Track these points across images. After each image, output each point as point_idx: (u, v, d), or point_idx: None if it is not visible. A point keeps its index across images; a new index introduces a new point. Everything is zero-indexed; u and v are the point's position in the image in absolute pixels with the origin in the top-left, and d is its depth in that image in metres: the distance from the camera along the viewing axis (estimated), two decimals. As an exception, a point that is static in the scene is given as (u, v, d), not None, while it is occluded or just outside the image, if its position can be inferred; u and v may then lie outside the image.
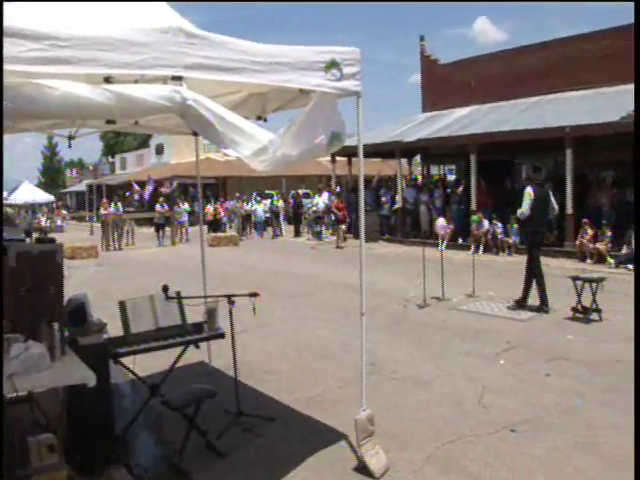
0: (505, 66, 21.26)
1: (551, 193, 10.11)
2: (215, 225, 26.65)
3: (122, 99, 3.37)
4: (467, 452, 4.66)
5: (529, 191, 9.66)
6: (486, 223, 17.65)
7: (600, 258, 15.02)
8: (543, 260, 10.18)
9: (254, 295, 5.24)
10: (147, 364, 5.80)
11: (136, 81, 3.78)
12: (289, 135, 4.10)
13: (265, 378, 6.51)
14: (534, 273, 9.72)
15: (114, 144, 68.69)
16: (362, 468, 4.36)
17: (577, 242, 15.64)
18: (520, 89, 20.58)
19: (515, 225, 16.95)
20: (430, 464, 4.48)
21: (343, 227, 21.13)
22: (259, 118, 5.45)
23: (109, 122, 4.78)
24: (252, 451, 4.79)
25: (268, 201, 28.16)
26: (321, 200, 25.07)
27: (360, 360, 4.63)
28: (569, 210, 16.38)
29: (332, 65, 4.16)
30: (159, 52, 3.32)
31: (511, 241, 16.94)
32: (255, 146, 3.85)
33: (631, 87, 17.30)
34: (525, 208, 9.63)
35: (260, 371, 6.73)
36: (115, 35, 3.18)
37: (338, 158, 23.57)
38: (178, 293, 5.18)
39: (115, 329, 4.94)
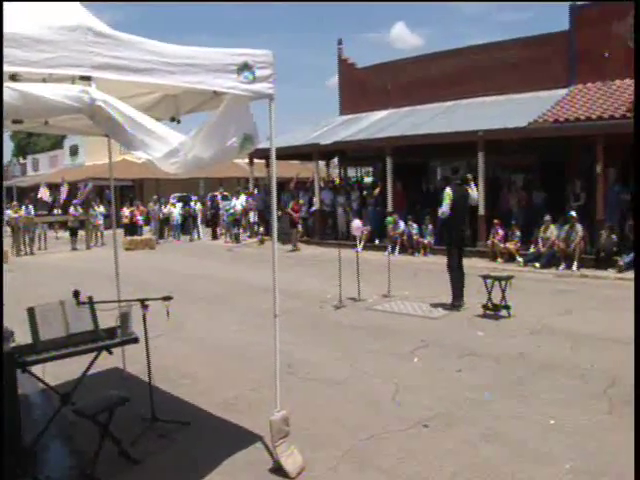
0: (421, 71, 21.73)
1: (470, 193, 10.34)
2: (131, 228, 26.06)
3: (28, 98, 3.27)
4: (381, 449, 4.75)
5: (448, 191, 9.93)
6: (402, 224, 17.99)
7: (510, 257, 15.61)
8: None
9: (168, 299, 5.19)
10: (58, 372, 5.65)
11: (44, 80, 3.68)
12: (201, 137, 4.07)
13: (181, 382, 6.44)
14: (452, 270, 10.02)
15: (26, 145, 66.10)
16: (278, 469, 4.38)
17: (489, 242, 16.19)
18: (435, 94, 21.09)
19: (430, 226, 17.40)
20: (345, 462, 4.55)
21: (299, 229, 20.94)
22: (173, 120, 5.40)
23: (16, 122, 4.61)
24: (167, 456, 4.74)
25: (180, 204, 27.74)
26: (239, 202, 24.95)
27: (275, 362, 4.65)
28: (481, 211, 16.91)
29: (245, 68, 4.16)
30: (67, 51, 3.25)
31: (426, 242, 17.34)
32: (166, 148, 3.81)
33: (538, 94, 18.12)
34: (446, 208, 9.87)
35: (176, 375, 6.66)
36: (21, 32, 3.09)
37: (256, 160, 23.53)
38: (90, 298, 5.06)
39: (25, 336, 4.78)
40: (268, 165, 24.74)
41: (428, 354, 7.39)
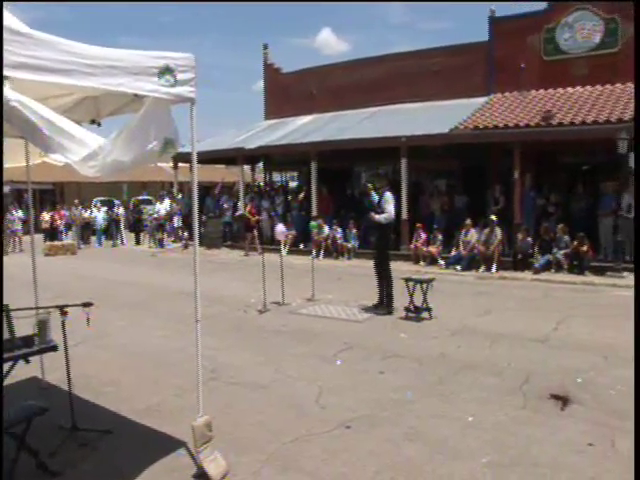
0: (346, 77, 22.01)
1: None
2: (52, 233, 25.26)
3: None
4: (304, 451, 4.78)
5: (390, 195, 10.04)
6: (326, 229, 18.14)
7: (432, 260, 15.98)
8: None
9: (88, 305, 5.08)
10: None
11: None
12: (121, 140, 4.02)
13: (102, 390, 6.30)
14: (387, 274, 10.10)
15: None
16: (201, 475, 4.36)
17: (412, 246, 16.51)
18: (360, 99, 21.40)
19: (354, 230, 17.61)
20: (269, 465, 4.56)
21: (255, 234, 20.55)
22: (93, 122, 5.30)
23: None
24: (88, 466, 4.63)
25: (104, 209, 27.09)
26: (162, 207, 24.58)
27: (196, 367, 4.62)
28: (404, 215, 17.26)
29: (166, 71, 4.13)
30: (-20, 49, 3.15)
31: (350, 246, 17.53)
32: (84, 151, 3.75)
33: (460, 101, 18.62)
34: (392, 211, 10.00)
35: (97, 383, 6.51)
36: None
37: (181, 164, 23.26)
38: (6, 306, 4.90)
39: None
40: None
41: (351, 356, 7.47)
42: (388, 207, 9.94)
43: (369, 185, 10.77)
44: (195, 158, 4.53)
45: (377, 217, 9.99)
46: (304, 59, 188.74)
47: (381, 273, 10.20)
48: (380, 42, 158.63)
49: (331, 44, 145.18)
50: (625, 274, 13.73)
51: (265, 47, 25.69)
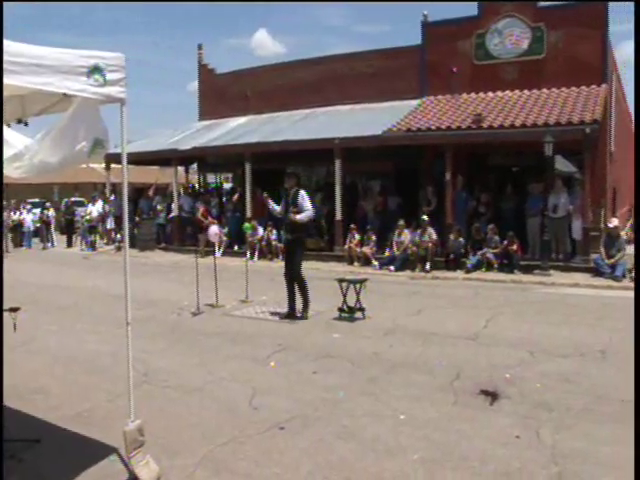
0: (281, 78, 21.98)
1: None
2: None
3: None
4: (238, 453, 4.76)
5: (304, 193, 9.82)
6: (261, 230, 18.10)
7: (366, 261, 16.14)
8: (315, 264, 10.69)
9: (14, 310, 4.93)
10: None
11: None
12: (48, 141, 3.92)
13: (31, 398, 6.11)
14: (300, 279, 9.87)
15: None
16: (133, 480, 4.29)
17: (346, 247, 16.64)
18: (295, 101, 21.42)
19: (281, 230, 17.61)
20: (202, 468, 4.52)
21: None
22: (19, 121, 5.13)
23: None
24: (16, 479, 4.48)
25: (35, 210, 26.35)
26: (95, 209, 24.06)
27: (127, 371, 4.54)
28: (338, 216, 17.39)
29: (95, 70, 4.04)
30: None
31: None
32: (9, 152, 3.63)
33: (393, 104, 18.87)
34: (311, 208, 9.78)
35: (25, 391, 6.30)
36: None
37: (113, 165, 22.79)
38: None
39: None
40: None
41: (285, 357, 7.49)
42: (306, 204, 9.65)
43: (265, 194, 10.61)
44: (125, 159, 4.45)
45: (298, 217, 9.59)
46: (240, 60, 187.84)
47: (293, 278, 9.89)
48: (316, 44, 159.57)
49: (267, 45, 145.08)
50: (551, 272, 14.20)
51: (199, 47, 25.44)
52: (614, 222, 14.91)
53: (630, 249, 14.51)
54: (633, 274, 13.31)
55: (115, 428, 4.91)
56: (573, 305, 11.06)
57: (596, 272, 13.98)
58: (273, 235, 17.94)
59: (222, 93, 23.96)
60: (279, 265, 16.47)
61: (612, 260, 13.79)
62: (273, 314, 10.14)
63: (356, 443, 4.91)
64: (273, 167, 20.49)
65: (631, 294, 12.13)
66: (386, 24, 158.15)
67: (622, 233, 15.84)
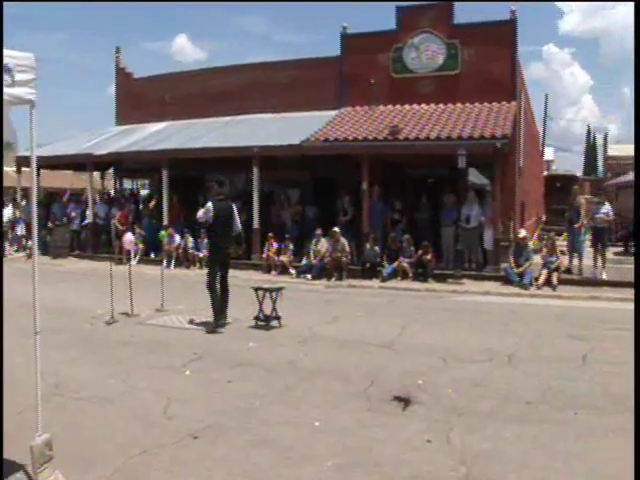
0: (200, 85, 21.77)
1: (235, 209, 10.41)
2: None
3: None
4: (152, 464, 4.69)
5: (208, 205, 10.00)
6: (177, 238, 17.87)
7: (284, 269, 16.20)
8: (232, 272, 10.60)
9: None
10: None
11: None
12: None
13: None
14: (211, 290, 9.92)
15: None
16: (39, 496, 4.15)
17: (263, 255, 16.64)
18: (214, 108, 21.25)
19: (206, 239, 17.43)
20: (114, 480, 4.42)
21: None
22: None
23: None
24: None
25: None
26: (5, 214, 23.12)
27: (35, 382, 4.40)
28: (256, 225, 17.38)
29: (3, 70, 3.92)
30: None
31: (202, 255, 17.35)
32: None
33: (312, 114, 19.00)
34: (198, 216, 10.07)
35: None
36: None
37: (24, 169, 21.98)
38: None
39: None
40: (38, 174, 23.19)
41: (200, 366, 7.42)
42: (198, 213, 10.12)
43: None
44: (35, 163, 4.32)
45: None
46: (159, 64, 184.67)
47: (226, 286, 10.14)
48: (237, 51, 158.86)
49: (187, 51, 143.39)
50: (464, 280, 14.65)
51: (117, 50, 24.90)
52: (522, 233, 15.53)
53: (537, 258, 15.16)
54: (540, 282, 13.91)
55: (23, 443, 4.73)
56: (484, 312, 11.44)
57: (506, 280, 14.51)
58: (190, 243, 17.73)
59: (140, 98, 23.52)
60: (196, 273, 16.38)
61: (520, 269, 14.35)
62: (197, 323, 10.02)
63: (271, 451, 4.92)
64: (191, 174, 20.34)
65: (537, 301, 12.70)
66: (308, 34, 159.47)
67: (530, 243, 16.51)
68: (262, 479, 4.46)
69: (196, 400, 6.16)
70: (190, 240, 17.78)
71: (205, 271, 10.77)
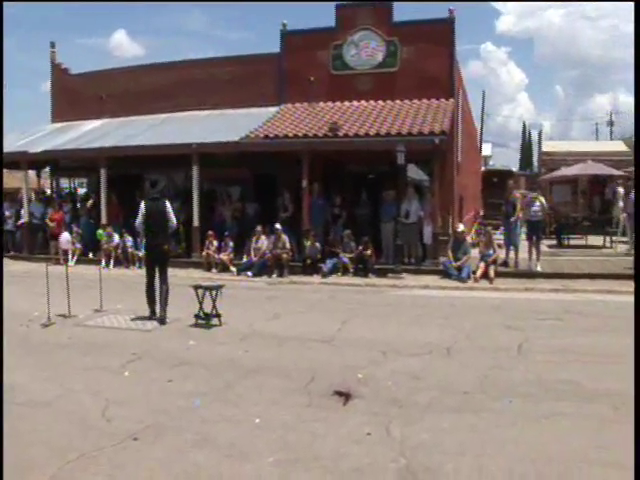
0: (138, 82, 21.36)
1: (169, 206, 10.42)
2: None
3: None
4: (90, 467, 4.60)
5: (141, 206, 10.20)
6: (116, 237, 17.58)
7: (224, 267, 16.12)
8: (172, 271, 10.53)
9: None
10: None
11: None
12: None
13: None
14: (146, 287, 10.15)
15: None
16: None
17: (203, 253, 16.53)
18: (152, 105, 20.90)
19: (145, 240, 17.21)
20: (50, 486, 4.33)
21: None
22: None
23: None
24: None
25: None
26: None
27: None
28: (196, 223, 17.24)
29: None
30: None
31: (141, 254, 17.06)
32: None
33: (251, 111, 18.93)
34: (137, 222, 10.26)
35: None
36: None
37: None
38: None
39: None
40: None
41: (140, 366, 7.34)
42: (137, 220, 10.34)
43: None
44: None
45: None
46: (97, 60, 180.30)
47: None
48: (177, 48, 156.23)
49: (125, 47, 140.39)
50: (404, 275, 14.85)
51: (52, 45, 24.16)
52: (461, 227, 15.85)
53: (475, 252, 15.48)
54: (477, 275, 14.22)
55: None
56: (423, 306, 11.62)
57: (444, 274, 14.79)
58: (129, 242, 17.46)
59: (76, 94, 22.93)
60: (135, 273, 16.15)
61: (458, 263, 14.64)
62: (136, 323, 9.88)
63: (212, 449, 4.91)
64: (129, 172, 19.99)
65: (475, 294, 12.98)
66: (248, 31, 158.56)
67: (468, 238, 16.85)
68: (203, 477, 4.45)
69: (135, 401, 6.09)
70: (129, 239, 17.48)
71: (144, 271, 10.71)
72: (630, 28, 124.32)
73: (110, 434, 5.21)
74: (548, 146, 33.76)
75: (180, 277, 10.73)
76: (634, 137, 13.78)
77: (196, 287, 9.78)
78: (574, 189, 26.54)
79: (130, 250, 17.38)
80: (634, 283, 10.78)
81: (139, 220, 10.23)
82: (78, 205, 21.57)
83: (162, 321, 9.83)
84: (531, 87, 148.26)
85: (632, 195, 16.79)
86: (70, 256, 17.59)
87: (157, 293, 10.14)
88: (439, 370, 7.12)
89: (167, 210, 10.28)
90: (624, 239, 18.87)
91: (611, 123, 66.62)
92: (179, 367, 7.27)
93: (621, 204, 19.98)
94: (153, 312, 10.07)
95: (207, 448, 4.93)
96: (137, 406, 5.93)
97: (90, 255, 18.32)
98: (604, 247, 19.56)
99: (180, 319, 9.93)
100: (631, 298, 12.07)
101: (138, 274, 15.79)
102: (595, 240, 20.24)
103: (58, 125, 23.30)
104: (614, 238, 19.55)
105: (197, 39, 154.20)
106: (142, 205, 10.22)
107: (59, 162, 22.86)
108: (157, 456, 4.80)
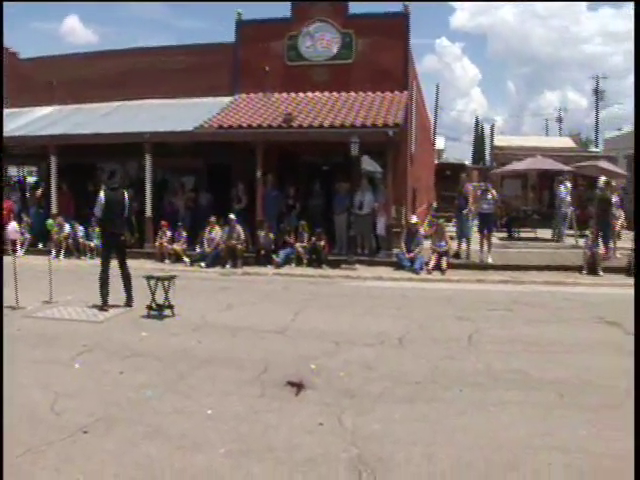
0: (90, 68, 20.85)
1: (127, 197, 10.47)
2: None
3: None
4: (38, 462, 4.53)
5: (101, 195, 10.22)
6: (67, 227, 17.24)
7: (178, 258, 16.00)
8: (123, 262, 10.40)
9: None
10: None
11: None
12: None
13: None
14: (100, 276, 10.13)
15: None
16: None
17: (156, 244, 16.35)
18: (104, 93, 20.43)
19: (98, 229, 16.93)
20: (-3, 482, 4.25)
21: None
22: None
23: None
24: None
25: None
26: None
27: None
28: (148, 213, 17.03)
29: None
30: None
31: (92, 245, 16.84)
32: None
33: (205, 100, 18.75)
34: (96, 211, 10.32)
35: None
36: None
37: None
38: None
39: None
40: None
41: (90, 358, 7.23)
42: (96, 206, 10.38)
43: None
44: None
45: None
46: (47, 46, 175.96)
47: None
48: (132, 35, 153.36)
49: (78, 33, 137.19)
50: (357, 266, 14.96)
51: (-2, 27, 23.53)
52: (414, 219, 16.04)
53: (427, 244, 15.67)
54: (430, 266, 14.41)
55: None
56: (376, 297, 11.73)
57: (398, 266, 14.94)
58: (80, 232, 17.15)
59: (27, 80, 22.24)
60: (87, 264, 15.90)
61: (411, 254, 14.80)
62: (87, 314, 9.71)
63: (163, 441, 4.88)
64: (81, 161, 19.61)
65: (427, 285, 13.16)
66: (204, 20, 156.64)
67: (421, 229, 17.04)
68: (155, 470, 4.41)
69: (86, 393, 6.01)
70: (80, 229, 17.17)
71: (98, 261, 10.63)
72: (578, 28, 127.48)
73: (60, 428, 5.13)
74: (500, 140, 34.39)
75: (133, 268, 10.55)
76: (634, 136, 14.00)
77: (148, 278, 9.67)
78: (524, 183, 27.06)
79: (81, 240, 17.07)
80: (634, 282, 11.02)
81: (98, 209, 10.24)
82: (27, 194, 21.05)
83: (129, 304, 10.12)
84: (484, 82, 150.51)
85: (616, 198, 17.17)
86: (19, 246, 17.19)
87: (111, 283, 10.18)
88: (391, 360, 7.21)
89: (126, 200, 10.37)
90: (571, 232, 19.35)
91: (560, 120, 68.38)
92: (131, 359, 7.21)
93: (569, 198, 20.45)
94: (105, 302, 9.97)
95: (159, 440, 4.90)
96: (88, 399, 5.85)
97: (40, 245, 17.93)
98: (553, 240, 20.02)
99: (132, 310, 9.86)
100: (578, 289, 12.47)
101: (90, 265, 15.57)
102: (544, 233, 20.73)
103: (8, 111, 22.66)
104: (562, 231, 20.05)
105: (153, 28, 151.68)
106: (102, 194, 10.23)
107: (7, 150, 22.26)
108: (107, 448, 4.74)
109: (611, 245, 15.83)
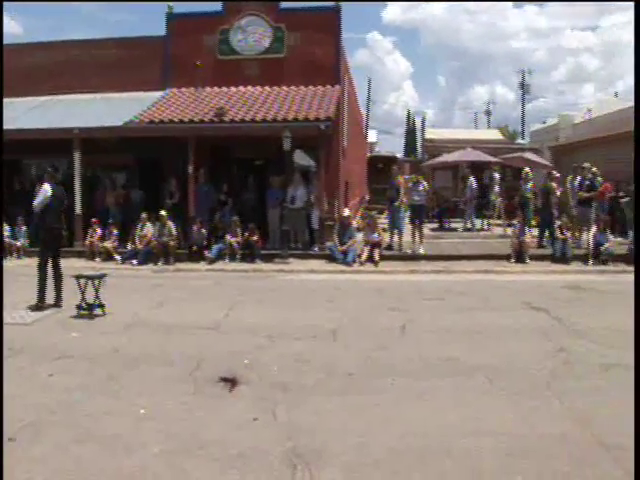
0: (15, 61, 20.05)
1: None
2: None
3: None
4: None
5: (46, 188, 9.90)
6: (-10, 227, 16.66)
7: (109, 256, 15.70)
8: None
9: None
10: None
11: None
12: None
13: None
14: (40, 269, 9.89)
15: None
16: None
17: (87, 242, 16.01)
18: (30, 87, 19.79)
19: (24, 227, 16.45)
20: None
21: None
22: None
23: None
24: None
25: None
26: None
27: None
28: (78, 211, 16.63)
29: None
30: None
31: (19, 244, 16.35)
32: None
33: (135, 95, 18.41)
34: (37, 204, 9.93)
35: None
36: None
37: None
38: None
39: None
40: None
41: (17, 362, 6.98)
42: (37, 199, 10.04)
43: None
44: None
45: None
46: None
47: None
48: (56, 28, 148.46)
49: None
50: (291, 260, 15.01)
51: None
52: (346, 212, 16.20)
53: (360, 236, 15.84)
54: (363, 259, 14.58)
55: None
56: (309, 290, 11.83)
57: (331, 258, 15.07)
58: (6, 231, 16.58)
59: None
60: (14, 264, 15.42)
61: (344, 247, 14.94)
62: (14, 316, 9.37)
63: (94, 444, 4.79)
64: (8, 157, 18.94)
65: (360, 277, 13.32)
66: (131, 13, 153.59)
67: (353, 222, 17.22)
68: (85, 474, 4.33)
69: (12, 399, 5.76)
70: (6, 228, 16.61)
71: (25, 261, 10.36)
72: (505, 24, 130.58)
73: (-18, 437, 4.95)
74: (431, 133, 34.96)
75: (62, 267, 10.31)
76: (634, 136, 14.21)
77: (78, 277, 9.47)
78: (455, 174, 27.60)
79: (7, 240, 16.51)
80: (634, 282, 11.43)
81: (41, 201, 9.89)
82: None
83: (58, 304, 9.86)
84: (416, 76, 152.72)
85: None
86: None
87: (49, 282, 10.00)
88: (324, 353, 7.29)
89: (65, 195, 10.41)
90: (499, 222, 19.91)
91: (489, 113, 70.10)
92: (60, 360, 7.04)
93: (497, 189, 21.01)
94: (42, 299, 9.74)
95: (90, 443, 4.81)
96: (14, 404, 5.63)
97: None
98: (482, 230, 20.53)
99: (62, 310, 9.64)
100: (506, 277, 12.85)
101: (16, 265, 15.12)
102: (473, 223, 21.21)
103: None
104: (490, 221, 20.62)
105: (81, 20, 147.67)
106: (48, 188, 9.91)
107: None
108: (36, 455, 4.61)
109: (558, 235, 15.21)
